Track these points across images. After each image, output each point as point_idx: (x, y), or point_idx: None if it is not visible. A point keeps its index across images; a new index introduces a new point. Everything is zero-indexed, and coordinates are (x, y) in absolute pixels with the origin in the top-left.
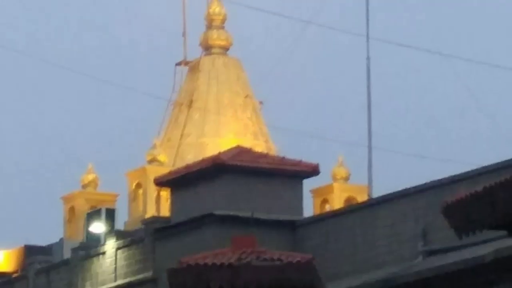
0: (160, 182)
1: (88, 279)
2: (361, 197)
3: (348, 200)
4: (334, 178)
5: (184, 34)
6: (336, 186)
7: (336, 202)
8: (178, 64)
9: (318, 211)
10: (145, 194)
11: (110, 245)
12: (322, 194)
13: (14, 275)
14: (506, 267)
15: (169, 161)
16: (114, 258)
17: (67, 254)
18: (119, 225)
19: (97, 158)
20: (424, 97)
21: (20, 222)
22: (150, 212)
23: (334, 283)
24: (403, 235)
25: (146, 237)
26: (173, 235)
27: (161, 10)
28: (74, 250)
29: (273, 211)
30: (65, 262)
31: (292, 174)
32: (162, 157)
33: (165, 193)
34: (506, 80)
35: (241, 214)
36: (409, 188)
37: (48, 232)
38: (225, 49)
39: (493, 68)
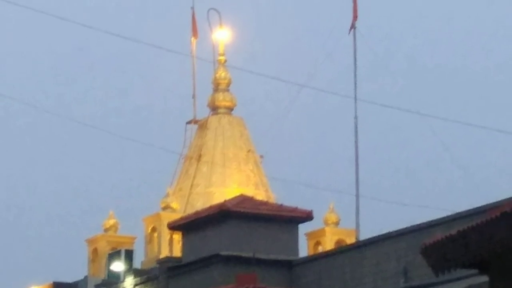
0: (173, 227)
1: None
2: (350, 240)
3: (338, 242)
4: (326, 223)
5: (194, 96)
6: (327, 230)
7: (328, 244)
8: (189, 122)
9: (312, 252)
10: (159, 237)
11: (129, 282)
12: (315, 237)
13: None
14: None
15: (180, 208)
16: None
17: None
18: (137, 264)
19: (117, 206)
20: (405, 151)
21: (49, 261)
22: (164, 253)
23: None
24: (386, 273)
25: (160, 275)
26: (185, 273)
27: (174, 76)
28: (97, 287)
29: (272, 252)
30: None
31: (289, 219)
32: (174, 205)
33: (177, 236)
34: (477, 136)
35: (244, 254)
36: (392, 232)
37: (74, 270)
38: (230, 109)
39: (466, 126)
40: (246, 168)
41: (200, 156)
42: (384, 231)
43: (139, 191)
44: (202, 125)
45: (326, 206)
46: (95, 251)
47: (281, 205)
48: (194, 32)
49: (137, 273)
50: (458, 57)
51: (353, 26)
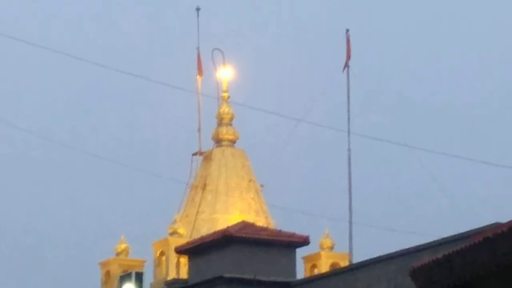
0: (180, 251)
1: None
2: (344, 263)
3: (333, 265)
4: (322, 247)
5: (199, 130)
6: (323, 254)
7: (323, 267)
8: (194, 154)
9: (308, 274)
10: (167, 260)
11: None
12: (312, 260)
13: None
14: None
15: (187, 234)
16: None
17: None
18: (146, 286)
19: (128, 231)
20: (395, 181)
21: (65, 283)
22: (172, 275)
23: None
24: None
25: None
26: None
27: (180, 111)
28: None
29: (272, 274)
30: None
31: (287, 244)
32: (181, 230)
33: (184, 260)
34: (462, 167)
35: (245, 276)
36: (383, 256)
37: None
38: (233, 142)
39: (452, 158)
40: (247, 196)
41: (205, 185)
42: (376, 255)
43: (149, 218)
44: (207, 157)
45: (321, 231)
46: (107, 274)
47: (280, 230)
48: (200, 70)
49: None
50: (444, 94)
51: (346, 65)
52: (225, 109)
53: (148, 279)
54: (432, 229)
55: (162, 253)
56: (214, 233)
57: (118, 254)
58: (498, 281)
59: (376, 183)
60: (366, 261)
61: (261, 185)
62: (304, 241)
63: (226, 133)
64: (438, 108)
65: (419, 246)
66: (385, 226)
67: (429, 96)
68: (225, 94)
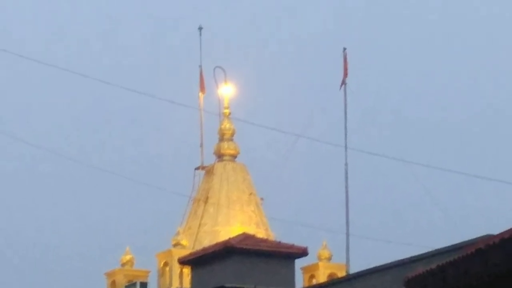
0: (183, 261)
1: None
2: (341, 273)
3: (331, 275)
4: (320, 258)
5: (201, 145)
6: (321, 265)
7: (321, 277)
8: (197, 168)
9: (307, 284)
10: (171, 271)
11: None
12: (310, 271)
13: None
14: None
15: (189, 245)
16: None
17: None
18: None
19: (133, 243)
20: (390, 194)
21: None
22: (175, 285)
23: None
24: None
25: None
26: None
27: (183, 127)
28: None
29: (271, 284)
30: None
31: (286, 255)
32: (184, 242)
33: (187, 270)
34: (455, 181)
35: (246, 286)
36: (378, 266)
37: None
38: (234, 156)
39: (445, 172)
40: (248, 209)
41: (207, 198)
42: (372, 265)
43: (153, 230)
44: (209, 171)
45: (319, 243)
46: (113, 284)
47: (280, 242)
48: (202, 87)
49: None
50: (438, 111)
51: (343, 83)
52: (226, 125)
53: None
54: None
55: (166, 264)
56: (216, 244)
57: (123, 264)
58: None
59: (372, 197)
60: (362, 271)
61: (261, 199)
62: (303, 252)
63: (227, 148)
64: (432, 125)
65: (414, 257)
66: (381, 238)
67: (424, 113)
68: (227, 111)
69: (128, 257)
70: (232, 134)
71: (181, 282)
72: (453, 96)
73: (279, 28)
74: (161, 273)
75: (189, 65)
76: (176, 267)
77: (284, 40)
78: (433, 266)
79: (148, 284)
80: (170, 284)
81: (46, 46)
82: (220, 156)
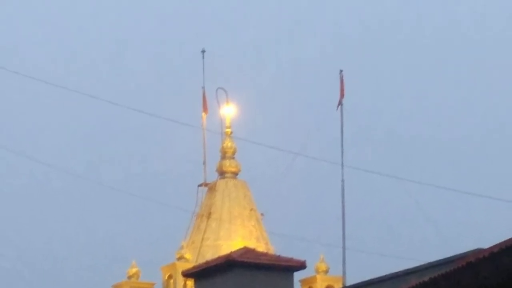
0: (186, 274)
1: None
2: (338, 286)
3: (328, 287)
4: (317, 271)
5: (204, 163)
6: (318, 277)
7: None
8: (200, 185)
9: None
10: (175, 283)
11: None
12: (308, 283)
13: None
14: None
15: (193, 258)
16: None
17: None
18: None
19: (139, 256)
20: (384, 209)
21: None
22: None
23: None
24: None
25: None
26: None
27: (187, 145)
28: None
29: None
30: None
31: (285, 268)
32: (188, 256)
33: (190, 283)
34: (446, 197)
35: None
36: (373, 279)
37: None
38: (235, 174)
39: (437, 188)
40: (249, 224)
41: (209, 214)
42: (367, 278)
43: (158, 244)
44: (211, 188)
45: (317, 256)
46: None
47: (279, 256)
48: (205, 108)
49: None
50: (430, 129)
51: (340, 103)
52: (228, 143)
53: None
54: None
55: (170, 277)
56: (218, 258)
57: (129, 277)
58: None
59: (367, 212)
60: (358, 283)
61: (262, 214)
62: (301, 265)
63: (229, 165)
64: (424, 143)
65: (407, 269)
66: (376, 251)
67: (416, 131)
68: (228, 130)
69: (134, 270)
70: (234, 153)
71: None
72: (444, 116)
73: (278, 51)
74: (166, 286)
75: (192, 87)
76: (180, 279)
77: (283, 63)
78: (426, 278)
79: None
80: None
81: (56, 68)
82: (222, 173)
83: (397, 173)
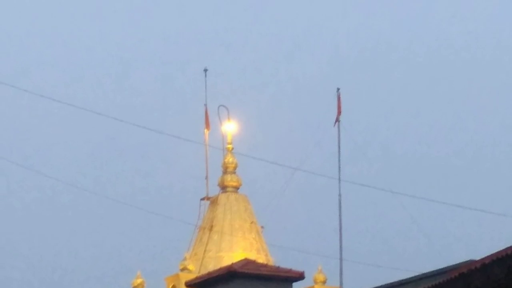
0: (189, 285)
1: None
2: None
3: None
4: (315, 282)
5: (206, 178)
6: None
7: None
8: (202, 199)
9: None
10: None
11: None
12: None
13: None
14: None
15: (196, 269)
16: None
17: None
18: None
19: (144, 267)
20: (380, 222)
21: None
22: None
23: None
24: None
25: None
26: None
27: (190, 161)
28: None
29: None
30: None
31: (285, 279)
32: (191, 267)
33: None
34: (439, 210)
35: None
36: None
37: None
38: (236, 188)
39: (430, 202)
40: (249, 236)
41: (212, 226)
42: None
43: (162, 255)
44: (213, 201)
45: (315, 267)
46: None
47: (279, 267)
48: (207, 124)
49: None
50: (424, 146)
51: (337, 120)
52: (229, 159)
53: None
54: (413, 265)
55: (174, 287)
56: (220, 269)
57: (134, 287)
58: None
59: (363, 225)
60: None
61: (262, 227)
62: (300, 276)
63: (230, 180)
64: (418, 158)
65: (402, 280)
66: (371, 263)
67: (411, 147)
68: (230, 146)
69: (139, 280)
70: (235, 168)
71: None
72: (437, 133)
73: (278, 70)
74: None
75: (195, 104)
76: None
77: (283, 81)
78: None
79: None
80: None
81: (64, 87)
82: (223, 187)
83: (392, 187)
